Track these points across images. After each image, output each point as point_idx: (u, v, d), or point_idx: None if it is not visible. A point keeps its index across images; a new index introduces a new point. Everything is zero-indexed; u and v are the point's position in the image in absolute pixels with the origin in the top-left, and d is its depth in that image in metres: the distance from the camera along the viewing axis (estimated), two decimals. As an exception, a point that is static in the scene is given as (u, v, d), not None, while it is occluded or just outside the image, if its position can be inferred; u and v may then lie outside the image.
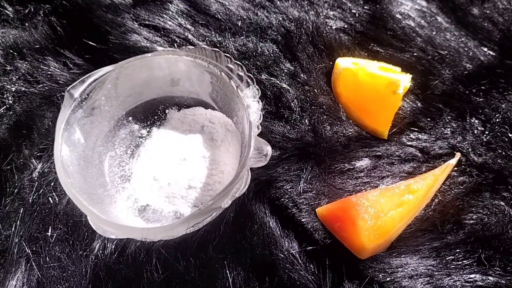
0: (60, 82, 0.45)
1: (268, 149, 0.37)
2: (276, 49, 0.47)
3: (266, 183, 0.40)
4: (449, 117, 0.44)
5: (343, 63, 0.46)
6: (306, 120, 0.43)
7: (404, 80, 0.43)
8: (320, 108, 0.44)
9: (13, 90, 0.44)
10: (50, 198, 0.38)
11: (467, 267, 0.36)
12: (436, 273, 0.36)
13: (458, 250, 0.37)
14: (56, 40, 0.48)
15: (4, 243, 0.37)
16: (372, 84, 0.44)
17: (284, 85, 0.45)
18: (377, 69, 0.45)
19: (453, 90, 0.45)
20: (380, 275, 0.36)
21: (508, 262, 0.36)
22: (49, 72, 0.45)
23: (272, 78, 0.45)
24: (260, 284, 0.36)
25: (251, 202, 0.39)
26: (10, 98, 0.44)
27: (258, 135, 0.37)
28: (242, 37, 0.47)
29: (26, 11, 0.48)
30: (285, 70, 0.46)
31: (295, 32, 0.47)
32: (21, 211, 0.38)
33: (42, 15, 0.49)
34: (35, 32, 0.47)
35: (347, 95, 0.45)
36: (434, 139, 0.43)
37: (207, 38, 0.46)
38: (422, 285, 0.36)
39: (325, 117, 0.44)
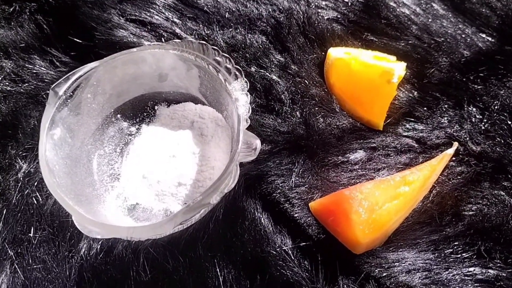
0: (46, 80, 0.44)
1: (257, 143, 0.36)
2: (266, 41, 0.45)
3: (256, 178, 0.39)
4: (446, 106, 0.43)
5: (335, 53, 0.44)
6: (298, 113, 0.42)
7: (399, 69, 0.42)
8: (313, 100, 0.43)
9: (-2, 90, 0.44)
10: (34, 199, 0.38)
11: (466, 260, 0.35)
12: (435, 267, 0.35)
13: (457, 243, 0.36)
14: (42, 38, 0.47)
15: (-12, 245, 0.36)
16: (366, 73, 0.43)
17: (274, 77, 0.43)
18: (371, 58, 0.43)
19: (450, 78, 0.44)
20: (376, 270, 0.35)
21: (509, 254, 0.35)
22: (35, 71, 0.44)
23: (261, 70, 0.44)
24: (251, 282, 0.35)
25: (241, 198, 0.38)
26: (-5, 98, 0.43)
27: (247, 129, 0.36)
28: (230, 29, 0.45)
29: (11, 9, 0.48)
30: (275, 62, 0.45)
31: (285, 23, 0.45)
32: (5, 212, 0.37)
33: (28, 13, 0.48)
34: (21, 31, 0.46)
35: (340, 85, 0.44)
36: (431, 128, 0.42)
37: (195, 32, 0.45)
38: (420, 280, 0.34)
39: (317, 109, 0.43)
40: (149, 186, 0.40)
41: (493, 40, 0.45)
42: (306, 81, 0.44)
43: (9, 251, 0.35)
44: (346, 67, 0.43)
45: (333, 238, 0.37)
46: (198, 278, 0.35)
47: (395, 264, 0.35)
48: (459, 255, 0.35)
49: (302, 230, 0.37)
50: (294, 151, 0.40)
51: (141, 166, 0.41)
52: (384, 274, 0.35)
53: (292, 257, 0.36)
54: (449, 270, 0.35)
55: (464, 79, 0.43)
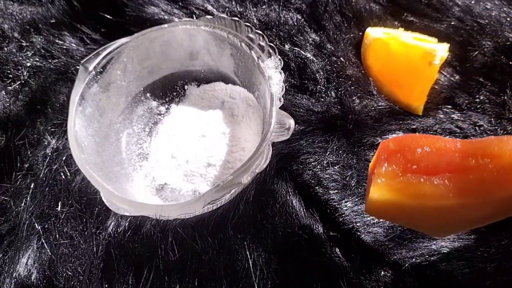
0: (76, 57, 0.44)
1: (291, 122, 0.35)
2: (301, 18, 0.44)
3: (288, 158, 0.37)
4: (489, 93, 0.40)
5: (373, 33, 0.42)
6: (333, 92, 0.40)
7: (441, 50, 0.40)
8: (349, 80, 0.41)
9: (28, 66, 0.43)
10: (63, 174, 0.37)
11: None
12: (476, 255, 0.33)
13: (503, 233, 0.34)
14: (73, 14, 0.46)
15: (15, 219, 0.35)
16: (406, 55, 0.41)
17: (309, 55, 0.42)
18: (411, 39, 0.41)
19: (494, 62, 0.41)
20: (415, 259, 0.33)
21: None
22: (65, 47, 0.44)
23: (295, 48, 0.42)
24: (282, 266, 0.34)
25: (272, 179, 0.36)
26: (25, 74, 0.43)
27: (280, 108, 0.35)
28: (264, 7, 0.44)
29: (42, -14, 0.47)
30: (310, 41, 0.43)
31: (322, 0, 0.44)
32: (32, 187, 0.36)
33: (59, -11, 0.47)
34: (51, 7, 0.46)
35: (378, 67, 0.42)
36: (472, 114, 0.40)
37: (227, 9, 0.44)
38: (460, 269, 0.32)
39: (353, 89, 0.41)
40: (178, 166, 0.39)
41: (541, 23, 0.43)
42: (342, 60, 0.42)
43: (37, 226, 0.34)
44: (385, 48, 0.41)
45: (368, 224, 0.35)
46: (227, 260, 0.34)
47: (435, 253, 0.33)
48: (503, 245, 0.33)
49: (335, 215, 0.36)
50: (328, 131, 0.39)
51: (170, 146, 0.40)
52: (424, 264, 0.33)
53: (325, 243, 0.34)
54: (492, 260, 0.32)
55: (510, 63, 0.41)
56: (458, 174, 0.23)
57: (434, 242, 0.34)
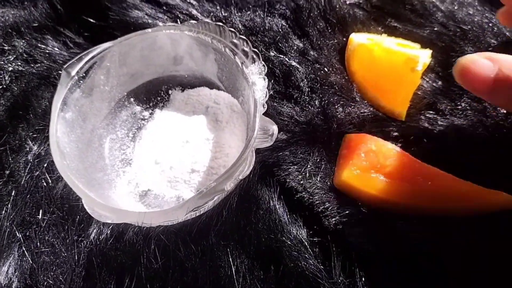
0: (59, 61, 0.43)
1: (274, 129, 0.34)
2: (285, 24, 0.44)
3: (272, 166, 0.37)
4: (470, 99, 0.41)
5: (357, 38, 0.43)
6: (316, 102, 0.40)
7: (424, 56, 0.40)
8: (332, 88, 0.41)
9: (10, 70, 0.42)
10: (44, 181, 0.36)
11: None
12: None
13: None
14: (56, 18, 0.46)
15: (-5, 227, 0.35)
16: (389, 60, 0.41)
17: (294, 63, 0.42)
18: (394, 45, 0.42)
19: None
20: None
21: None
22: (48, 51, 0.43)
23: (281, 56, 0.42)
24: (265, 273, 0.33)
25: (256, 186, 0.36)
26: (7, 78, 0.42)
27: (264, 114, 0.35)
28: (248, 12, 0.44)
29: (25, -12, 0.47)
30: (295, 48, 0.43)
31: (305, 6, 0.44)
32: (14, 194, 0.36)
33: (42, -8, 0.47)
34: (34, 10, 0.45)
35: (362, 73, 0.42)
36: (454, 119, 0.40)
37: (212, 14, 0.44)
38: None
39: (336, 97, 0.41)
40: (162, 172, 0.39)
41: (521, 30, 0.43)
42: (325, 67, 0.42)
43: (18, 234, 0.34)
44: (368, 54, 0.41)
45: (350, 229, 0.35)
46: (210, 267, 0.34)
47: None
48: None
49: (318, 220, 0.36)
50: (310, 142, 0.39)
51: (153, 151, 0.40)
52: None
53: (308, 248, 0.34)
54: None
55: (491, 69, 0.41)
56: (406, 183, 0.36)
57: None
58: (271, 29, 0.43)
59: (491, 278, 0.32)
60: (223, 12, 0.44)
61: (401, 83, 0.41)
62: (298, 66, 0.42)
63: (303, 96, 0.41)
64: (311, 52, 0.43)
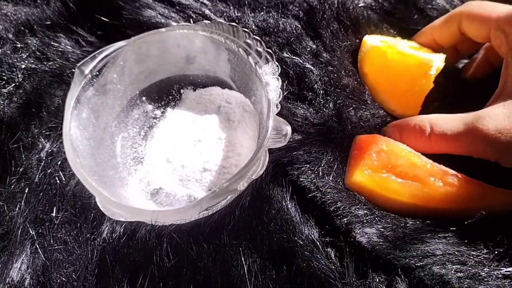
0: (72, 59, 0.43)
1: (288, 129, 0.35)
2: (298, 26, 0.44)
3: (285, 165, 0.37)
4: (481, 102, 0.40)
5: (371, 40, 0.43)
6: (331, 104, 0.40)
7: (438, 60, 0.40)
8: (344, 90, 0.41)
9: (23, 67, 0.43)
10: (57, 178, 0.37)
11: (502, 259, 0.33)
12: (469, 261, 0.33)
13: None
14: (69, 16, 0.46)
15: (9, 224, 0.35)
16: (402, 64, 0.41)
17: (308, 65, 0.42)
18: (408, 48, 0.42)
19: (489, 72, 0.42)
20: (409, 262, 0.33)
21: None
22: (60, 49, 0.43)
23: (295, 57, 0.42)
24: (277, 273, 0.33)
25: (269, 185, 0.36)
26: (19, 76, 0.42)
27: (277, 115, 0.35)
28: (262, 13, 0.44)
29: (38, -14, 0.47)
30: (308, 49, 0.43)
31: (319, 8, 0.44)
32: (27, 191, 0.36)
33: (55, -9, 0.47)
34: (47, 9, 0.46)
35: (374, 75, 0.42)
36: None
37: (225, 14, 0.44)
38: (454, 273, 0.32)
39: (350, 101, 0.41)
40: (173, 171, 0.39)
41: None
42: (338, 69, 0.42)
43: (31, 231, 0.34)
44: (381, 56, 0.41)
45: (362, 229, 0.35)
46: (222, 266, 0.34)
47: (428, 254, 0.33)
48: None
49: (330, 220, 0.36)
50: (324, 143, 0.39)
51: (165, 150, 0.40)
52: (418, 265, 0.33)
53: (320, 248, 0.34)
54: (485, 266, 0.33)
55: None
56: (417, 183, 0.36)
57: (428, 244, 0.34)
58: (285, 30, 0.43)
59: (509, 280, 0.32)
60: (236, 12, 0.44)
61: (413, 86, 0.41)
62: (312, 68, 0.42)
63: (317, 98, 0.41)
64: (324, 54, 0.43)
